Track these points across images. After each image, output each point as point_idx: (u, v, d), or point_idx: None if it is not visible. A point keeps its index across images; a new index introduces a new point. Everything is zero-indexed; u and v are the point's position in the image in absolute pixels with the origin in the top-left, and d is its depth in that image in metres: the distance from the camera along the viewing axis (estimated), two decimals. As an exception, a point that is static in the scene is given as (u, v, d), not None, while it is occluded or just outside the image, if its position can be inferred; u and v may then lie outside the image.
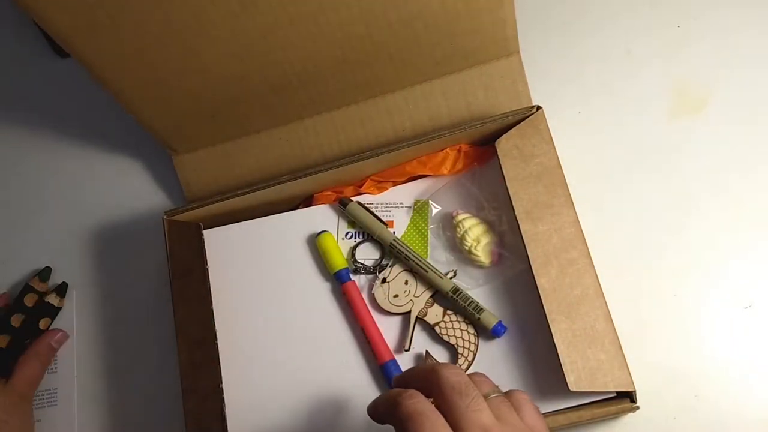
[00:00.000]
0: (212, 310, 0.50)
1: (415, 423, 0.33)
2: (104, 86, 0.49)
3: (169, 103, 0.51)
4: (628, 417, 0.48)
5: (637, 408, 0.44)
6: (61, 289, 0.59)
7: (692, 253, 0.51)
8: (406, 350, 0.50)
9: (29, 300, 0.58)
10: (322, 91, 0.53)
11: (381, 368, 0.49)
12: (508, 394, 0.36)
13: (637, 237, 0.52)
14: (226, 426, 0.47)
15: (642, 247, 0.52)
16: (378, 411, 0.37)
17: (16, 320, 0.58)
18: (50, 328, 0.58)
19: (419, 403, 0.34)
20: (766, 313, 0.49)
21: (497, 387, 0.36)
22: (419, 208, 0.54)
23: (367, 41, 0.48)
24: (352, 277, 0.52)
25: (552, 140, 0.49)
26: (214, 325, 0.49)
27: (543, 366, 0.47)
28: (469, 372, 0.47)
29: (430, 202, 0.53)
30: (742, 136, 0.53)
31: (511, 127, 0.50)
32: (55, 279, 0.60)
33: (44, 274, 0.59)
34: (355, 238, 0.54)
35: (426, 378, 0.35)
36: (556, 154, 0.49)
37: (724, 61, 0.55)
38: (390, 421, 0.35)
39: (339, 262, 0.52)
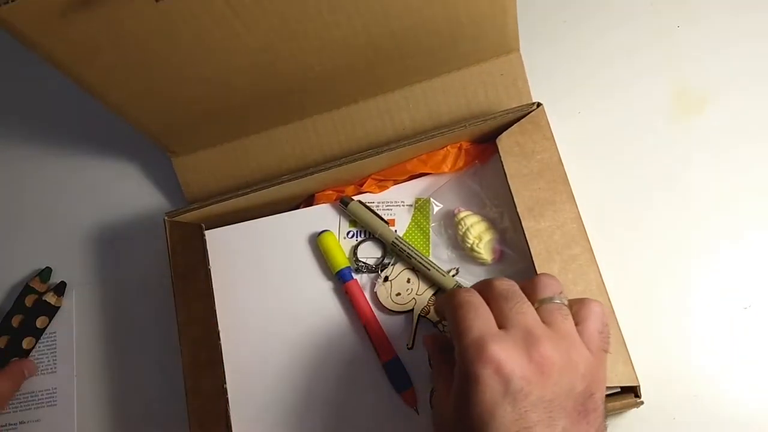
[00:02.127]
0: (215, 311, 0.50)
1: (464, 309, 0.36)
2: (102, 102, 0.48)
3: (167, 110, 0.51)
4: (628, 417, 0.48)
5: (642, 403, 0.44)
6: (59, 288, 0.59)
7: (692, 252, 0.51)
8: (409, 348, 0.50)
9: (29, 301, 0.58)
10: (322, 94, 0.53)
11: (384, 366, 0.49)
12: (578, 303, 0.37)
13: (638, 233, 0.52)
14: (231, 426, 0.47)
15: (643, 244, 0.52)
16: (439, 304, 0.41)
17: (16, 321, 0.57)
18: (46, 331, 0.58)
19: (472, 296, 0.37)
20: (765, 313, 0.49)
21: (562, 293, 0.37)
22: (420, 207, 0.54)
23: (369, 50, 0.48)
24: (354, 276, 0.52)
25: (553, 137, 0.49)
26: (218, 325, 0.49)
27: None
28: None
29: (432, 200, 0.53)
30: (742, 136, 0.53)
31: (512, 124, 0.50)
32: (56, 280, 0.60)
33: (44, 274, 0.59)
34: (357, 237, 0.54)
35: (480, 288, 0.38)
36: (557, 150, 0.49)
37: (725, 61, 0.55)
38: (445, 312, 0.38)
39: (341, 261, 0.52)
